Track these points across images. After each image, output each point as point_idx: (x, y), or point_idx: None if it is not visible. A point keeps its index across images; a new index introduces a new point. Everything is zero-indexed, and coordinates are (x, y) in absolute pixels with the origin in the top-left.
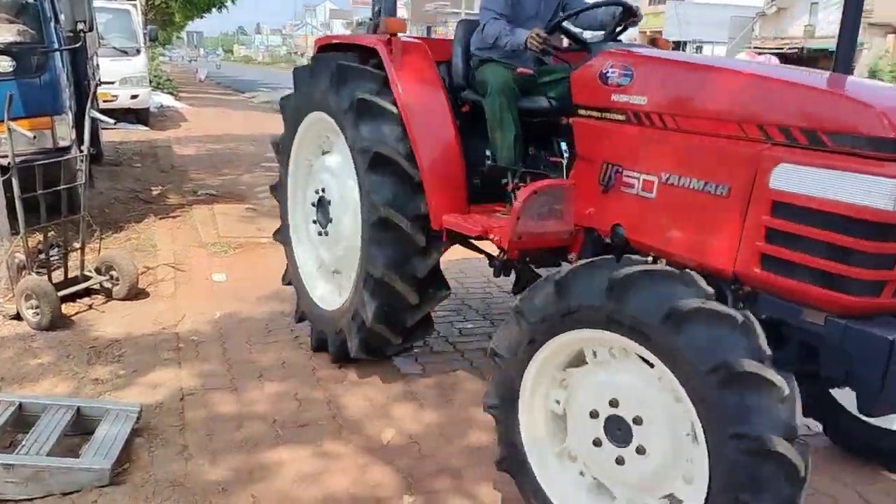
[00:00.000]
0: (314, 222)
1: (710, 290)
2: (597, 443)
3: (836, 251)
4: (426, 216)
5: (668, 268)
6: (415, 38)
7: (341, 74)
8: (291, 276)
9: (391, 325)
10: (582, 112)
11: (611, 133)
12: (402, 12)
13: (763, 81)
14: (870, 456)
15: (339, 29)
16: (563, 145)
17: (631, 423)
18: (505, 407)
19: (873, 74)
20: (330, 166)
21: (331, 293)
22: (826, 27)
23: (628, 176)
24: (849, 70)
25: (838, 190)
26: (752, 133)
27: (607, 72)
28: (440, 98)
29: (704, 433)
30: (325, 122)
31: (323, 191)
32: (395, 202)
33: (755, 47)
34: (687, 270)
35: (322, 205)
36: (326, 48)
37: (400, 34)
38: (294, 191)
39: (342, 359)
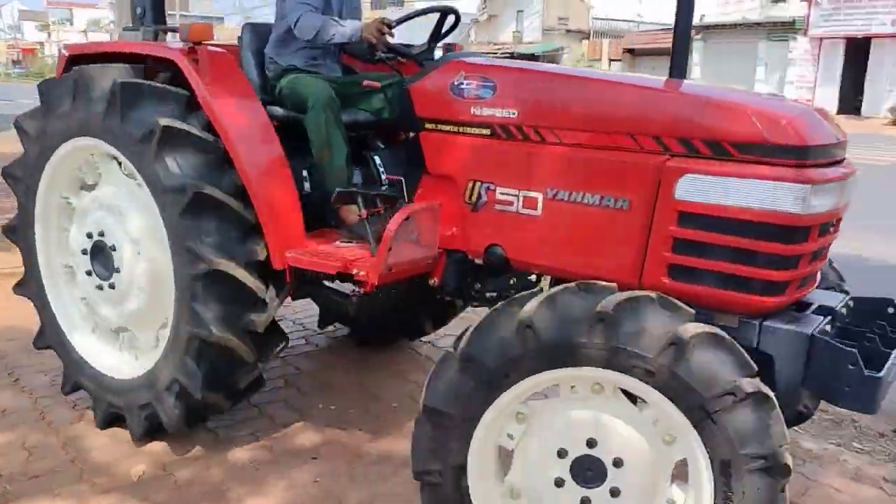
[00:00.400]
0: (88, 273)
1: (691, 311)
2: (559, 483)
3: (745, 255)
4: (264, 260)
5: (647, 293)
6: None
7: (127, 94)
8: (51, 340)
9: (225, 389)
10: (430, 126)
11: (476, 148)
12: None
13: (654, 93)
14: None
15: (34, 32)
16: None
17: (610, 465)
18: (448, 472)
19: None
20: (107, 204)
21: (121, 358)
22: (530, 34)
23: (504, 193)
24: (683, 75)
25: (747, 196)
26: (648, 145)
27: (461, 83)
28: (262, 118)
29: (712, 461)
30: (94, 151)
31: (101, 234)
32: (225, 249)
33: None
34: (663, 295)
35: (101, 252)
36: (78, 59)
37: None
38: (46, 234)
39: (149, 434)
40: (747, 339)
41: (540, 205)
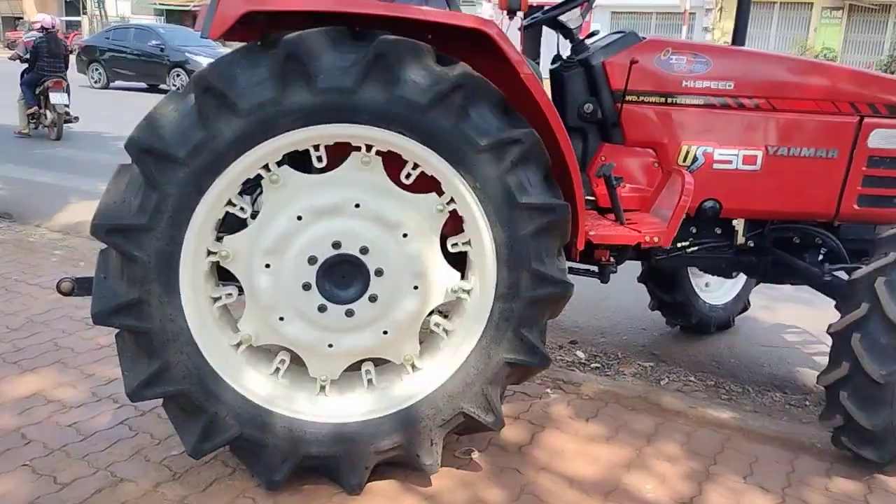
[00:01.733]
0: (306, 287)
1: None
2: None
3: None
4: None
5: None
6: None
7: (469, 91)
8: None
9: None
10: (631, 98)
11: (691, 116)
12: None
13: (845, 72)
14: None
15: None
16: None
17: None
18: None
19: None
20: (377, 216)
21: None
22: None
23: (722, 154)
24: (742, 40)
25: None
26: (845, 110)
27: (670, 59)
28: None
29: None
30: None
31: (363, 251)
32: (562, 268)
33: (160, 2)
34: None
35: (345, 269)
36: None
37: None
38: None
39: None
40: None
41: (760, 161)
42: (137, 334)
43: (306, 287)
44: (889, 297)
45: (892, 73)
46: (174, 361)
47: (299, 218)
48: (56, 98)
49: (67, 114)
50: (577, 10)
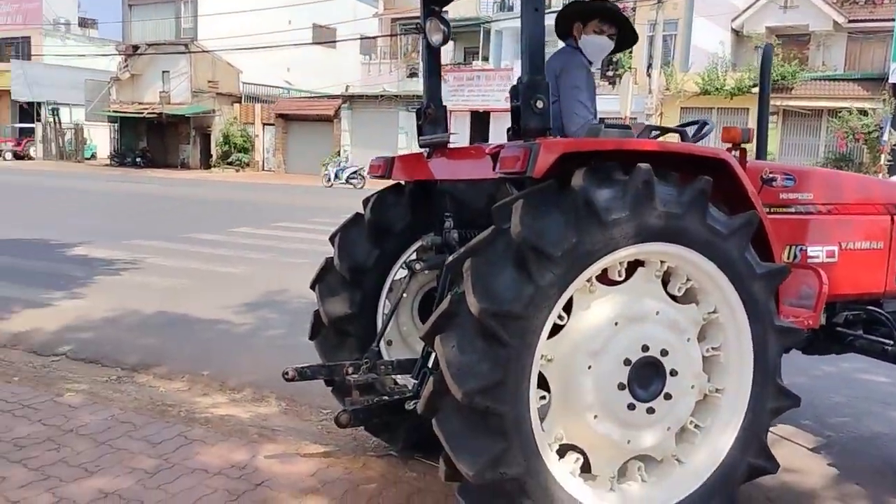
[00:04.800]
0: (620, 387)
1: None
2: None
3: None
4: None
5: None
6: None
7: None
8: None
9: None
10: None
11: (789, 222)
12: None
13: (884, 184)
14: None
15: None
16: None
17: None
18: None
19: (226, 138)
20: (672, 321)
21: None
22: (179, 95)
23: (813, 251)
24: (765, 155)
25: None
26: (884, 211)
27: (770, 178)
28: None
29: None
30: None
31: (663, 353)
32: None
33: (114, 111)
34: None
35: (648, 369)
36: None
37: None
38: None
39: None
40: None
41: (837, 254)
42: (490, 415)
43: (621, 387)
44: None
45: None
46: (515, 445)
47: (616, 323)
48: None
49: None
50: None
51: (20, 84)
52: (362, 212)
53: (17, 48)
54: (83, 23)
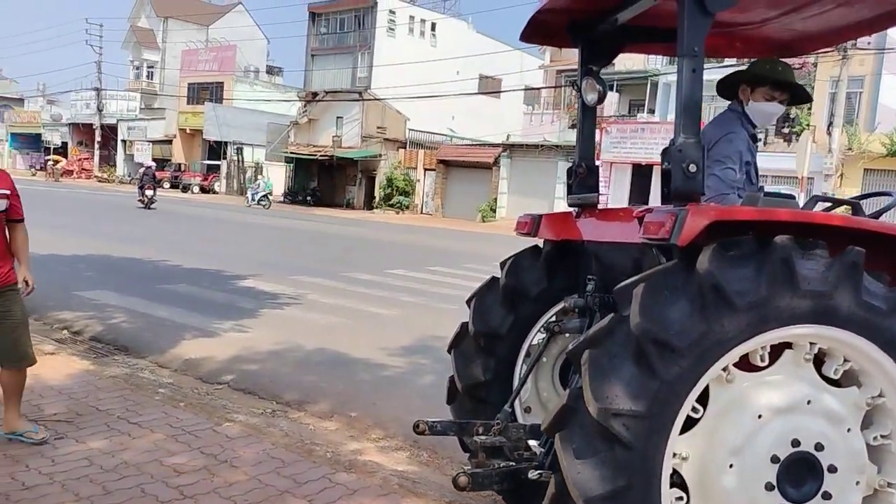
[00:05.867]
0: (769, 488)
1: None
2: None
3: None
4: None
5: None
6: None
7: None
8: None
9: None
10: None
11: None
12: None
13: None
14: None
15: None
16: None
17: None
18: None
19: (389, 181)
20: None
21: None
22: (349, 139)
23: None
24: None
25: None
26: None
27: None
28: None
29: None
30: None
31: (818, 448)
32: None
33: (291, 152)
34: None
35: (801, 467)
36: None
37: None
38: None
39: None
40: None
41: None
42: None
43: (769, 487)
44: None
45: None
46: None
47: (759, 416)
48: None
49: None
50: None
51: (212, 124)
52: (498, 275)
53: (212, 92)
54: (270, 70)
